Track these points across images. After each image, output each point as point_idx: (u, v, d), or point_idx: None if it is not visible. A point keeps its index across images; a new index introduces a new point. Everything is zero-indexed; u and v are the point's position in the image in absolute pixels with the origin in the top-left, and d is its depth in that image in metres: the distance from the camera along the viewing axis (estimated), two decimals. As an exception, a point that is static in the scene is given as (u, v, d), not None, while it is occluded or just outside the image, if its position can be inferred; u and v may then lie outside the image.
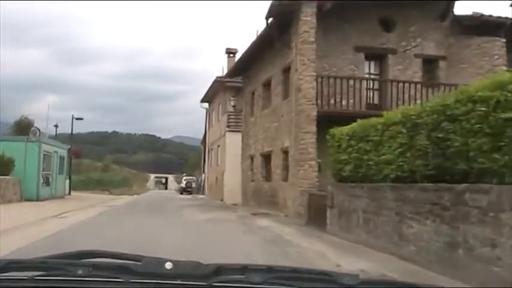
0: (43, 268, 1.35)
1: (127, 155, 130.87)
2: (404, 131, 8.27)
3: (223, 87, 29.69)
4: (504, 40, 17.84)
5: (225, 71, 28.39)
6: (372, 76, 18.06)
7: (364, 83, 17.41)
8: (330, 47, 17.37)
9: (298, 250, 8.92)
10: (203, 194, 38.69)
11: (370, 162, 9.48)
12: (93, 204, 21.77)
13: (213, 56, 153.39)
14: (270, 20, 17.41)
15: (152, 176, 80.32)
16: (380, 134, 9.18)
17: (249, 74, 24.04)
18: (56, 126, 34.26)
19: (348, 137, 10.75)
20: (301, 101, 15.77)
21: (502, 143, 5.74)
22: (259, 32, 19.48)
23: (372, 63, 18.42)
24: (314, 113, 15.69)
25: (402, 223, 8.09)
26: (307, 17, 15.90)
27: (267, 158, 20.84)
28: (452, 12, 18.37)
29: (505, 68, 15.97)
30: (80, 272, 1.31)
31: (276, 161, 19.33)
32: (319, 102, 16.15)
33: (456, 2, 18.42)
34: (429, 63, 18.52)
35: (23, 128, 34.67)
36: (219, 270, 1.35)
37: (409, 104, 16.01)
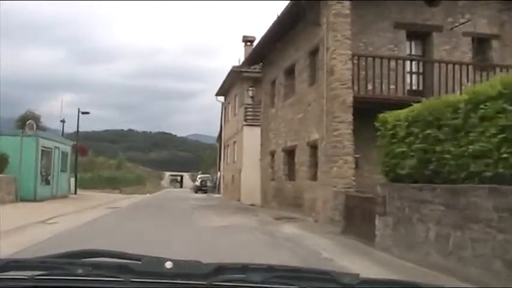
0: (43, 267, 1.32)
1: (143, 153, 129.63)
2: (510, 107, 5.58)
3: (239, 78, 27.09)
4: None
5: (242, 62, 25.76)
6: (415, 57, 15.28)
7: (406, 65, 14.63)
8: (366, 24, 14.68)
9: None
10: (219, 193, 36.16)
11: (446, 156, 6.78)
12: (95, 206, 19.34)
13: (230, 53, 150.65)
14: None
15: (167, 174, 77.98)
16: (463, 116, 6.48)
17: (268, 62, 21.40)
18: (63, 121, 31.94)
19: (407, 123, 8.06)
20: (335, 85, 13.09)
21: None
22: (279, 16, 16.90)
23: (414, 43, 15.66)
24: (350, 99, 13.00)
25: (510, 244, 5.40)
26: (341, -15, 13.23)
27: (290, 153, 18.20)
28: (509, -18, 15.55)
29: None
30: (80, 271, 1.28)
31: (301, 157, 16.68)
32: (355, 87, 13.47)
33: (514, -30, 15.59)
34: (480, 43, 15.66)
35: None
36: (219, 269, 1.32)
37: (459, 91, 13.34)
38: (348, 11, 13.34)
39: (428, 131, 7.31)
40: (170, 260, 1.31)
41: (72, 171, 28.41)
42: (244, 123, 25.85)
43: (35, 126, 19.87)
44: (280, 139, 19.24)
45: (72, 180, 28.14)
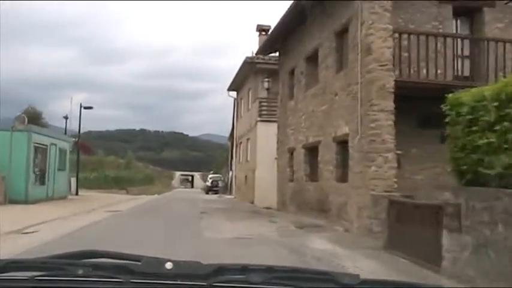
0: (43, 268, 1.30)
1: (154, 153, 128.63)
2: None
3: (253, 70, 24.74)
4: None
5: (256, 51, 23.39)
6: (467, 36, 12.82)
7: (451, 46, 12.19)
8: (406, -3, 12.29)
9: None
10: (230, 193, 33.85)
11: None
12: (92, 209, 17.12)
13: (242, 53, 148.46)
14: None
15: (177, 174, 75.75)
16: None
17: (286, 49, 19.03)
18: (66, 117, 29.76)
19: (497, 103, 5.67)
20: (372, 66, 10.70)
21: None
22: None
23: (460, 21, 13.22)
24: (391, 83, 10.62)
25: None
26: None
27: (312, 151, 15.83)
28: None
29: None
30: (80, 272, 1.27)
31: (326, 155, 14.31)
32: (395, 71, 11.07)
33: None
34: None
35: (29, 120, 30.49)
36: (219, 270, 1.31)
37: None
38: (387, -23, 10.96)
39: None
40: (170, 260, 1.29)
41: (73, 170, 26.25)
42: (259, 118, 23.51)
43: (26, 120, 17.69)
44: (300, 135, 16.87)
45: (73, 180, 25.99)
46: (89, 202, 20.74)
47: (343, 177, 13.36)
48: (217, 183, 43.95)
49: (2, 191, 16.73)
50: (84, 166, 52.50)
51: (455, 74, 12.35)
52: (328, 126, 14.19)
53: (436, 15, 12.53)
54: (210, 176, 49.10)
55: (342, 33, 13.54)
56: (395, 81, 10.64)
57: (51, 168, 20.07)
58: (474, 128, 6.07)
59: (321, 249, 8.78)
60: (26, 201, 17.27)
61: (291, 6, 15.90)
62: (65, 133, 30.04)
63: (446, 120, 6.82)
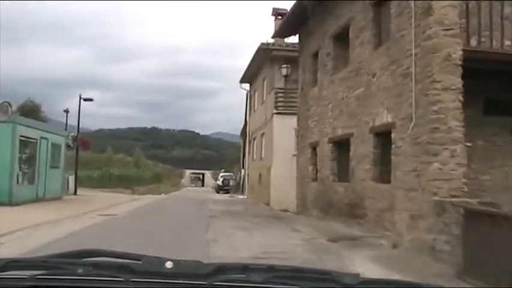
0: (43, 267, 1.29)
1: (165, 151, 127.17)
2: None
3: (269, 57, 22.17)
4: None
5: (272, 34, 20.77)
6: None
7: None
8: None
9: None
10: (242, 193, 31.32)
11: None
12: (85, 212, 14.69)
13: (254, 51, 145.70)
14: None
15: (188, 172, 73.29)
16: None
17: (308, 29, 16.41)
18: (67, 111, 27.36)
19: None
20: (433, 31, 8.08)
21: None
22: None
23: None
24: (458, 52, 7.99)
25: None
26: None
27: (341, 145, 13.25)
28: None
29: None
30: (80, 271, 1.25)
31: (361, 149, 11.72)
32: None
33: None
34: None
35: (27, 114, 28.22)
36: (220, 269, 1.29)
37: None
38: None
39: None
40: (170, 259, 1.27)
41: (71, 168, 23.87)
42: (275, 111, 20.94)
43: (10, 110, 15.26)
44: (325, 127, 14.27)
45: (71, 178, 23.60)
46: (85, 204, 18.32)
47: (383, 177, 10.77)
48: (229, 182, 41.45)
49: (-19, 191, 14.36)
50: (90, 164, 50.37)
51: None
52: (362, 114, 11.59)
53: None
54: (221, 174, 46.55)
55: (381, 2, 10.98)
56: (463, 50, 8.03)
57: (42, 166, 17.65)
58: None
59: (374, 277, 6.17)
60: (9, 203, 14.91)
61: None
62: (66, 128, 27.71)
63: None
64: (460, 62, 7.89)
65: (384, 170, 10.85)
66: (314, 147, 15.39)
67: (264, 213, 17.22)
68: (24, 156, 16.27)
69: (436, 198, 7.62)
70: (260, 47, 21.77)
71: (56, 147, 19.05)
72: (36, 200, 16.92)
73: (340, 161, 13.43)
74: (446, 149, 7.75)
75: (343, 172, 13.16)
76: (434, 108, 7.89)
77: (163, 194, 31.96)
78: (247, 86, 29.34)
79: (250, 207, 20.36)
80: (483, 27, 8.95)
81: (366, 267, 6.71)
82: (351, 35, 12.65)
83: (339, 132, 13.17)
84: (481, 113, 9.49)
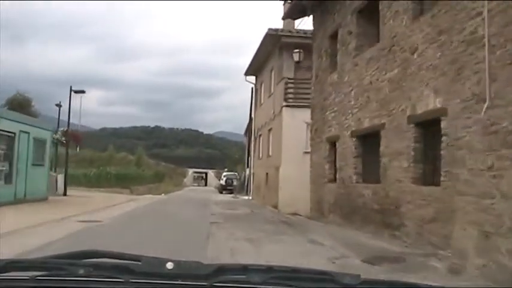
0: (44, 268, 1.28)
1: (169, 150, 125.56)
2: None
3: (278, 44, 19.87)
4: None
5: (282, 15, 18.41)
6: None
7: None
8: None
9: None
10: (247, 194, 29.04)
11: None
12: (65, 217, 12.41)
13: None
14: None
15: (190, 171, 70.91)
16: None
17: (324, 7, 14.11)
18: (59, 105, 25.07)
19: None
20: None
21: None
22: None
23: None
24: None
25: None
26: None
27: (368, 139, 10.96)
28: None
29: None
30: (80, 272, 1.25)
31: (395, 143, 9.43)
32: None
33: None
34: None
35: (16, 107, 26.03)
36: (220, 270, 1.28)
37: None
38: None
39: None
40: (171, 260, 1.26)
41: (68, 166, 21.64)
42: (284, 103, 18.62)
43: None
44: (347, 118, 11.96)
45: (61, 177, 21.35)
46: (71, 206, 16.07)
47: (427, 178, 8.49)
48: (232, 182, 39.11)
49: None
50: (92, 162, 48.32)
51: None
52: (398, 101, 9.30)
53: None
54: (224, 173, 44.18)
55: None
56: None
57: (22, 163, 15.39)
58: None
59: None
60: (-21, 205, 12.64)
61: None
62: (58, 123, 25.50)
63: None
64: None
65: (428, 168, 8.57)
66: (332, 143, 13.08)
67: (272, 218, 14.93)
68: (-1, 152, 14.03)
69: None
70: (268, 32, 19.46)
71: (39, 142, 16.78)
72: (15, 201, 14.71)
73: (367, 158, 11.13)
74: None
75: (370, 171, 10.86)
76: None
77: (163, 194, 29.69)
78: (252, 78, 27.02)
79: (256, 210, 18.06)
80: None
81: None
82: (381, 7, 10.35)
83: (366, 123, 10.86)
84: None
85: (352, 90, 11.68)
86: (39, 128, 16.88)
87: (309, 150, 17.38)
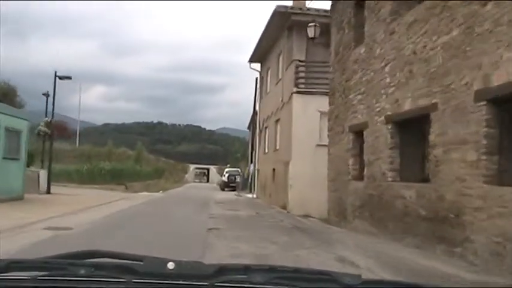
0: (45, 268, 1.25)
1: (171, 146, 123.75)
2: None
3: (287, 24, 17.35)
4: None
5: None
6: None
7: None
8: None
9: None
10: (251, 192, 26.59)
11: None
12: (27, 224, 9.95)
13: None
14: None
15: (192, 167, 68.35)
16: None
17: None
18: (47, 95, 22.57)
19: None
20: None
21: None
22: None
23: None
24: None
25: None
26: None
27: (411, 125, 8.52)
28: None
29: None
30: (82, 272, 1.22)
31: (453, 129, 6.97)
32: None
33: None
34: None
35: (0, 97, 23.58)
36: (221, 270, 1.26)
37: None
38: None
39: None
40: (172, 260, 1.23)
41: (41, 160, 19.21)
42: (295, 89, 16.12)
43: None
44: (380, 100, 9.48)
45: (43, 173, 18.91)
46: (48, 207, 13.63)
47: (509, 176, 6.02)
48: (235, 179, 36.63)
49: None
50: (89, 157, 45.92)
51: None
52: (460, 71, 6.83)
53: None
54: (227, 170, 41.64)
55: None
56: None
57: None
58: None
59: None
60: None
61: None
62: (46, 114, 23.01)
63: None
64: None
65: (508, 163, 6.10)
66: (358, 132, 10.60)
67: (283, 223, 12.47)
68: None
69: None
70: (276, 10, 16.92)
71: (12, 133, 14.34)
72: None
73: (407, 149, 8.68)
74: None
75: (412, 167, 8.43)
76: None
77: (160, 192, 27.23)
78: (257, 66, 24.49)
79: (262, 212, 15.60)
80: None
81: None
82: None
83: (406, 106, 8.39)
84: None
85: (386, 65, 9.20)
86: (12, 116, 14.41)
87: (324, 142, 14.98)
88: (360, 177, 10.50)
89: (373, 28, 9.93)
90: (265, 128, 22.48)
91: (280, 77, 18.89)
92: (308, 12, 16.70)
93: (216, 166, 66.05)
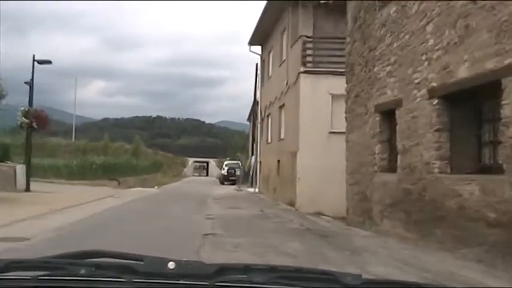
0: (46, 268, 1.24)
1: (171, 140, 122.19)
2: None
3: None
4: None
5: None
6: None
7: None
8: None
9: None
10: (252, 186, 24.48)
11: None
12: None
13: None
14: None
15: (191, 160, 66.11)
16: None
17: None
18: (30, 84, 20.30)
19: None
20: None
21: None
22: None
23: None
24: None
25: None
26: None
27: (468, 100, 6.36)
28: None
29: None
30: (82, 271, 1.20)
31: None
32: None
33: None
34: None
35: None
36: (222, 269, 1.23)
37: None
38: None
39: None
40: (173, 260, 1.21)
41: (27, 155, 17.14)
42: (302, 69, 13.94)
43: None
44: (418, 69, 7.32)
45: (20, 169, 16.77)
46: (17, 208, 11.47)
47: None
48: (235, 172, 34.46)
49: None
50: (84, 152, 43.81)
51: None
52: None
53: None
54: (226, 162, 39.42)
55: None
56: None
57: None
58: None
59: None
60: None
61: None
62: (31, 104, 20.77)
63: None
64: None
65: None
66: (387, 112, 8.46)
67: (292, 223, 10.38)
68: None
69: None
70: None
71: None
72: None
73: (461, 132, 6.55)
74: None
75: (470, 155, 6.30)
76: None
77: (155, 187, 25.05)
78: (258, 49, 22.27)
79: (267, 210, 13.48)
80: None
81: None
82: None
83: (461, 72, 6.24)
84: None
85: (428, 23, 7.04)
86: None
87: (336, 129, 12.96)
88: (390, 168, 8.39)
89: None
90: (268, 115, 20.31)
91: (284, 57, 16.70)
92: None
93: (215, 159, 63.90)
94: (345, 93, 10.80)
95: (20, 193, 15.67)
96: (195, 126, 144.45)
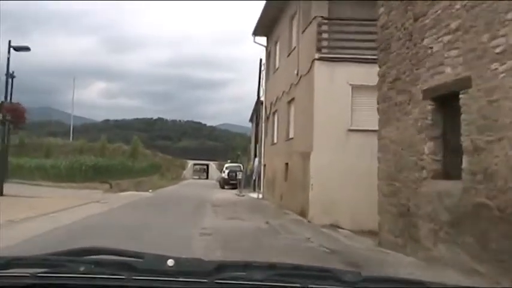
0: (45, 265, 1.24)
1: (171, 142, 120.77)
2: None
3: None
4: None
5: None
6: None
7: None
8: None
9: None
10: (255, 190, 22.21)
11: None
12: None
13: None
14: None
15: (190, 162, 63.74)
16: None
17: None
18: (11, 76, 18.09)
19: None
20: None
21: None
22: None
23: None
24: None
25: None
26: None
27: None
28: None
29: None
30: (82, 268, 1.19)
31: None
32: None
33: None
34: None
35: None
36: (221, 267, 1.23)
37: None
38: None
39: None
40: (172, 257, 1.20)
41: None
42: (317, 55, 11.65)
43: None
44: (500, 33, 5.07)
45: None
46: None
47: None
48: (236, 175, 32.08)
49: None
50: (81, 152, 41.67)
51: None
52: None
53: None
54: (227, 165, 37.03)
55: None
56: None
57: None
58: None
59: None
60: None
61: None
62: (11, 100, 18.52)
63: None
64: None
65: None
66: (445, 98, 6.19)
67: (307, 243, 8.12)
68: None
69: None
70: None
71: None
72: None
73: None
74: None
75: None
76: None
77: (150, 191, 22.79)
78: (263, 40, 20.00)
79: (274, 221, 11.16)
80: None
81: None
82: None
83: None
84: None
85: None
86: None
87: (356, 126, 10.82)
88: (446, 173, 6.12)
89: None
90: (274, 113, 18.01)
91: (294, 45, 14.42)
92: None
93: (215, 162, 61.68)
94: (369, 83, 8.63)
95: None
96: (196, 129, 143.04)
